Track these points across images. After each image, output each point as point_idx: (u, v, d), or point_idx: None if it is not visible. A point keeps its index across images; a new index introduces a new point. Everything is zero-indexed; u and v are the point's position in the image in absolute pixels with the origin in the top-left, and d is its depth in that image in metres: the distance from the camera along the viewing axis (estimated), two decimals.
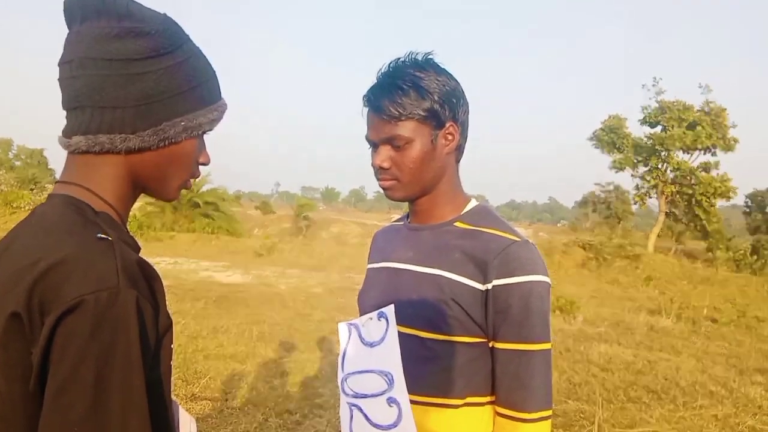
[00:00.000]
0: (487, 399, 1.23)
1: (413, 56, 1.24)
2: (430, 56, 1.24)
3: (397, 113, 1.18)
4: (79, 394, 0.70)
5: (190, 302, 8.48)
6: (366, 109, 1.26)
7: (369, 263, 1.45)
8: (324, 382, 5.13)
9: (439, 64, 1.25)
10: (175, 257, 14.96)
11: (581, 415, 4.74)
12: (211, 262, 15.09)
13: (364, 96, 1.25)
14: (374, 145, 1.25)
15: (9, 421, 0.75)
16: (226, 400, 4.54)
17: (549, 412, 1.18)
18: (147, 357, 0.77)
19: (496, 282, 1.16)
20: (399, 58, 1.24)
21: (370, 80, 1.27)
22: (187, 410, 1.14)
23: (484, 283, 1.17)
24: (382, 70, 1.24)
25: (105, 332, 0.72)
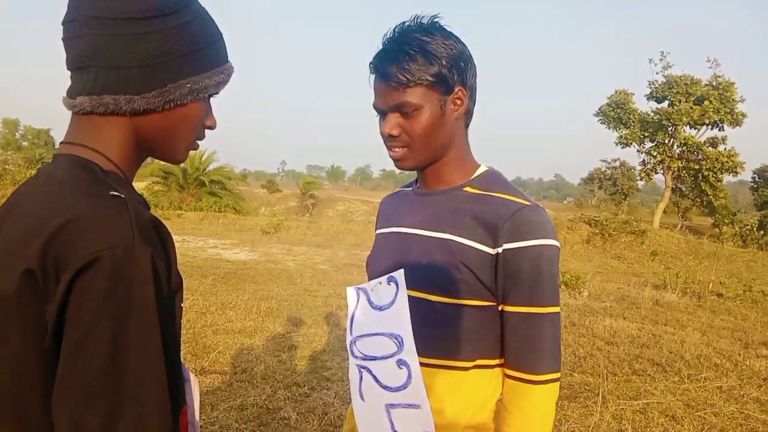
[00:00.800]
0: (496, 362, 1.25)
1: (419, 20, 1.21)
2: (436, 19, 1.21)
3: (405, 79, 1.16)
4: (96, 350, 0.71)
5: (198, 279, 8.53)
6: (373, 77, 1.23)
7: (377, 229, 1.45)
8: (331, 356, 5.18)
9: (446, 27, 1.22)
10: (182, 235, 15.02)
11: (586, 387, 4.79)
12: (219, 239, 15.15)
13: (371, 63, 1.22)
14: (382, 113, 1.24)
15: (25, 377, 0.76)
16: (235, 373, 4.59)
17: (558, 375, 1.20)
18: (162, 312, 0.77)
19: (506, 246, 1.16)
20: (404, 22, 1.21)
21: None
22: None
23: (494, 247, 1.17)
24: (387, 36, 1.21)
25: (121, 288, 0.72)
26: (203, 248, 13.17)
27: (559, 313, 1.22)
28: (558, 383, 1.21)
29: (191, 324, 5.84)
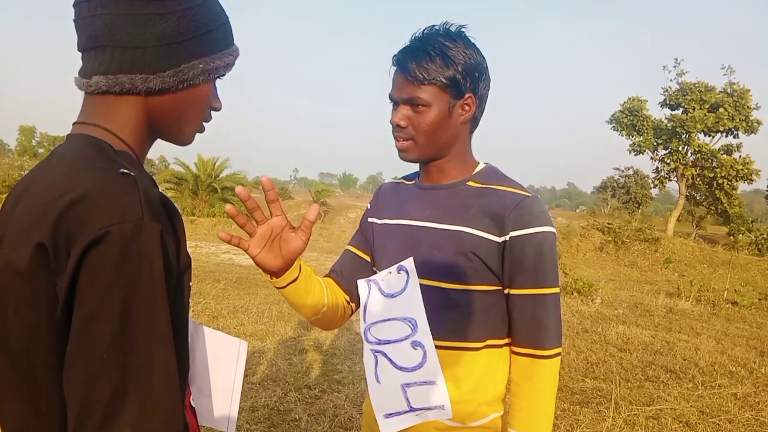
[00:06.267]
0: (504, 341, 1.35)
1: (447, 26, 1.31)
2: (462, 29, 1.31)
3: (420, 77, 1.26)
4: (105, 323, 0.72)
5: (211, 283, 8.57)
6: (393, 69, 1.33)
7: (378, 216, 1.49)
8: (342, 359, 5.18)
9: (470, 38, 1.31)
10: (195, 241, 15.13)
11: (598, 393, 4.75)
12: (231, 245, 15.19)
13: (394, 56, 1.32)
14: (395, 103, 1.33)
15: (38, 350, 0.77)
16: (247, 375, 4.60)
17: (560, 349, 1.32)
18: (170, 289, 0.78)
19: (512, 233, 1.27)
20: (434, 26, 1.31)
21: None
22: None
23: (500, 236, 1.27)
24: (416, 35, 1.31)
25: (130, 263, 0.73)
26: (215, 253, 13.24)
27: (559, 293, 1.33)
28: (560, 357, 1.32)
29: None
